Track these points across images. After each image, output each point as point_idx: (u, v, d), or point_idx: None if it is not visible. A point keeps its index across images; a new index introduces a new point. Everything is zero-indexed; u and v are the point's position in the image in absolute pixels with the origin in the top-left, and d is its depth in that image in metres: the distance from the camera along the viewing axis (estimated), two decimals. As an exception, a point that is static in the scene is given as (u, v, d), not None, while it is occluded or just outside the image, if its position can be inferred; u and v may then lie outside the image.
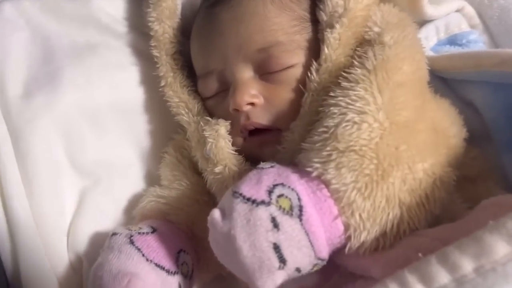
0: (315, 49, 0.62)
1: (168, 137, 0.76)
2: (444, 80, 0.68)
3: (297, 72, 0.61)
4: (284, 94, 0.62)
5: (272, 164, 0.54)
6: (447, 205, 0.54)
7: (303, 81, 0.60)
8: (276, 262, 0.48)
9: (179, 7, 0.73)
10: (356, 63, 0.56)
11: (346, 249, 0.51)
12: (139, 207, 0.69)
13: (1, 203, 0.66)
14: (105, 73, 0.74)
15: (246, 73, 0.63)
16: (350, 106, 0.52)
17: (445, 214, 0.54)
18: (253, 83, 0.63)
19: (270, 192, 0.50)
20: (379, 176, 0.50)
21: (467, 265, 0.39)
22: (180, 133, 0.74)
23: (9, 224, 0.66)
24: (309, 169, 0.52)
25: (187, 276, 0.61)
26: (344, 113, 0.52)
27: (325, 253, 0.50)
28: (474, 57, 0.63)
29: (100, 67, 0.74)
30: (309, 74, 0.60)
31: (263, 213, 0.48)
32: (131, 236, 0.60)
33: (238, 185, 0.51)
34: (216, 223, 0.50)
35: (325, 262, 0.51)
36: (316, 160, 0.51)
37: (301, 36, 0.63)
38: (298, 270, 0.50)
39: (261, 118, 0.62)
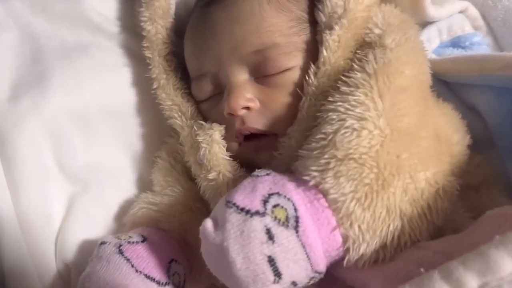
0: (313, 51, 0.60)
1: (161, 141, 0.75)
2: (447, 84, 0.67)
3: (294, 75, 0.60)
4: (281, 98, 0.60)
5: (268, 172, 0.53)
6: (450, 215, 0.53)
7: (300, 85, 0.59)
8: (271, 276, 0.46)
9: (173, 7, 0.71)
10: (356, 66, 0.55)
11: (345, 261, 0.50)
12: (129, 214, 0.68)
13: (-16, 210, 0.65)
14: (96, 75, 0.73)
15: (241, 76, 0.62)
16: (350, 112, 0.51)
17: (447, 225, 0.53)
18: (248, 86, 0.61)
19: (265, 201, 0.48)
20: (379, 185, 0.48)
21: (471, 282, 0.38)
22: (173, 137, 0.73)
23: (-7, 231, 0.64)
24: (306, 177, 0.50)
25: (178, 287, 0.60)
26: (343, 119, 0.51)
27: (322, 266, 0.49)
28: (479, 61, 0.62)
29: (90, 68, 0.73)
30: (307, 78, 0.58)
31: (257, 224, 0.47)
32: (120, 245, 0.58)
33: (231, 194, 0.50)
34: (208, 234, 0.49)
35: (322, 275, 0.50)
36: (313, 168, 0.50)
37: (299, 37, 0.61)
38: (294, 284, 0.49)
39: (256, 122, 0.60)
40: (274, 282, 0.47)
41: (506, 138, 0.62)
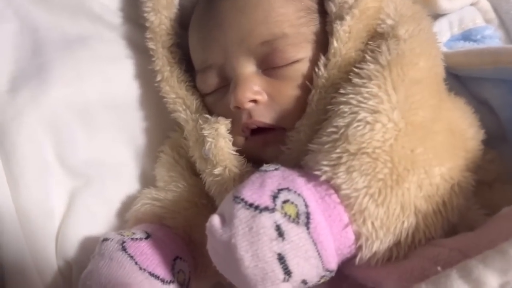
0: (323, 42, 0.59)
1: (165, 135, 0.74)
2: (458, 78, 0.66)
3: (303, 67, 0.59)
4: (289, 91, 0.59)
5: (276, 167, 0.52)
6: (464, 212, 0.52)
7: (310, 77, 0.58)
8: (280, 274, 0.45)
9: (177, -4, 0.70)
10: (368, 57, 0.53)
11: (357, 259, 0.49)
12: (132, 210, 0.67)
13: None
14: (97, 67, 0.72)
15: (248, 68, 0.60)
16: (362, 105, 0.50)
17: (461, 222, 0.52)
18: (255, 78, 0.60)
19: (274, 197, 0.47)
20: (393, 181, 0.47)
21: (492, 281, 0.37)
22: (177, 131, 0.72)
23: (-8, 228, 0.63)
24: (317, 172, 0.49)
25: (183, 285, 0.59)
26: (356, 112, 0.50)
27: (334, 264, 0.48)
28: (492, 53, 0.61)
29: (92, 60, 0.72)
30: (316, 70, 0.57)
31: (266, 221, 0.45)
32: (123, 242, 0.57)
33: (239, 189, 0.49)
34: (215, 231, 0.48)
35: (333, 274, 0.49)
36: (324, 162, 0.49)
37: (308, 28, 0.60)
38: (304, 282, 0.48)
39: (264, 116, 0.59)
40: (284, 280, 0.46)
41: (519, 133, 0.61)
